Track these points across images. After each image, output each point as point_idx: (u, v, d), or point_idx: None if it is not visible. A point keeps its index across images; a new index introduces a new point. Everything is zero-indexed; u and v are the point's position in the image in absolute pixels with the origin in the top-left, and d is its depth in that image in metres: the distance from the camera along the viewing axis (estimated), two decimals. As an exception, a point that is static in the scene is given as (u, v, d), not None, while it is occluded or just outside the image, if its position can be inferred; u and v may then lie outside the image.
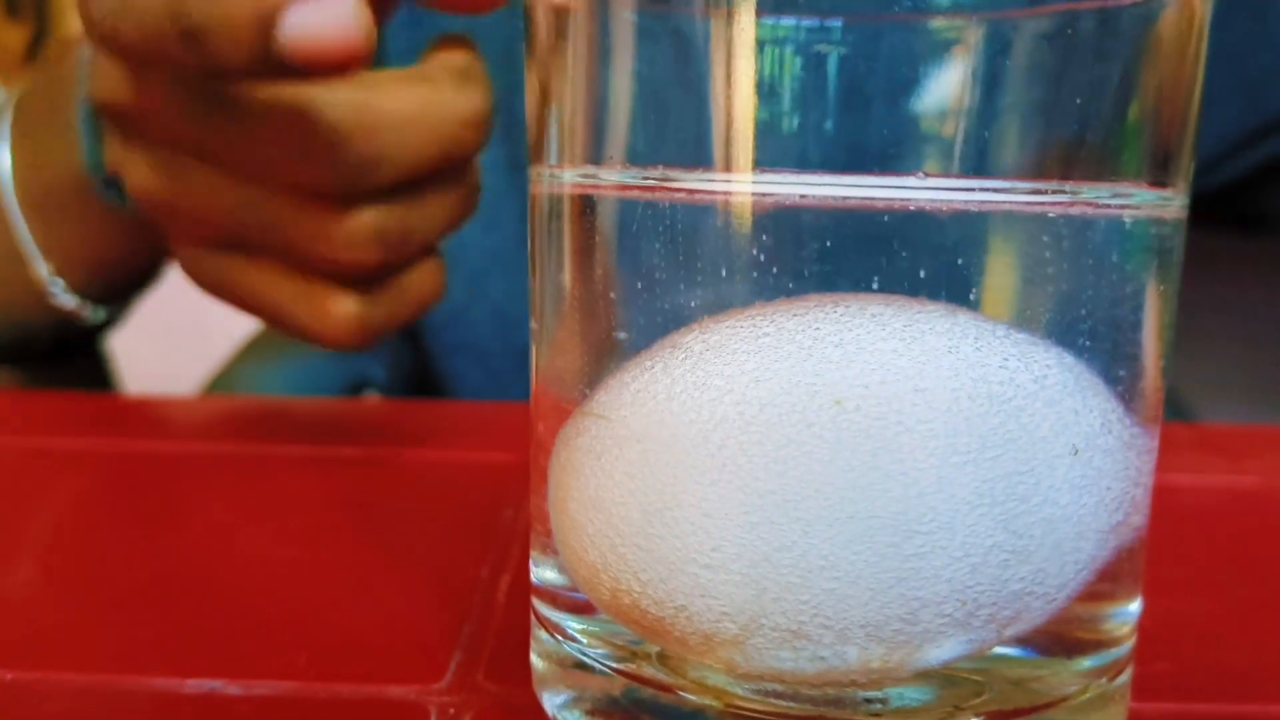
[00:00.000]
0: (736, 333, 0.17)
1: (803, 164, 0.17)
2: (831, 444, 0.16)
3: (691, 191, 0.17)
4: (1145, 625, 0.20)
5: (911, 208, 0.16)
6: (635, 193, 0.18)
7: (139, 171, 0.34)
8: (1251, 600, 0.29)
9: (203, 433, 0.41)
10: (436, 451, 0.40)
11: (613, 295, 0.18)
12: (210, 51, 0.27)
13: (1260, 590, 0.30)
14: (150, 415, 0.45)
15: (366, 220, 0.32)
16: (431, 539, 0.31)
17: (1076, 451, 0.17)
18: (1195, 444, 0.43)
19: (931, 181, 0.16)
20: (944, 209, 0.16)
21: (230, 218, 0.33)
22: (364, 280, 0.34)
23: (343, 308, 0.33)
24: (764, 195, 0.17)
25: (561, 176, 0.18)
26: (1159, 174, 0.17)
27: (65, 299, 0.44)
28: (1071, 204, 0.17)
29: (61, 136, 0.40)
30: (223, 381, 0.76)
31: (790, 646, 0.17)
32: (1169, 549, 0.29)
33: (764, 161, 0.17)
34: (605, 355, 0.19)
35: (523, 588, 0.27)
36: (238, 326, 0.76)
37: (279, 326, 0.35)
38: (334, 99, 0.31)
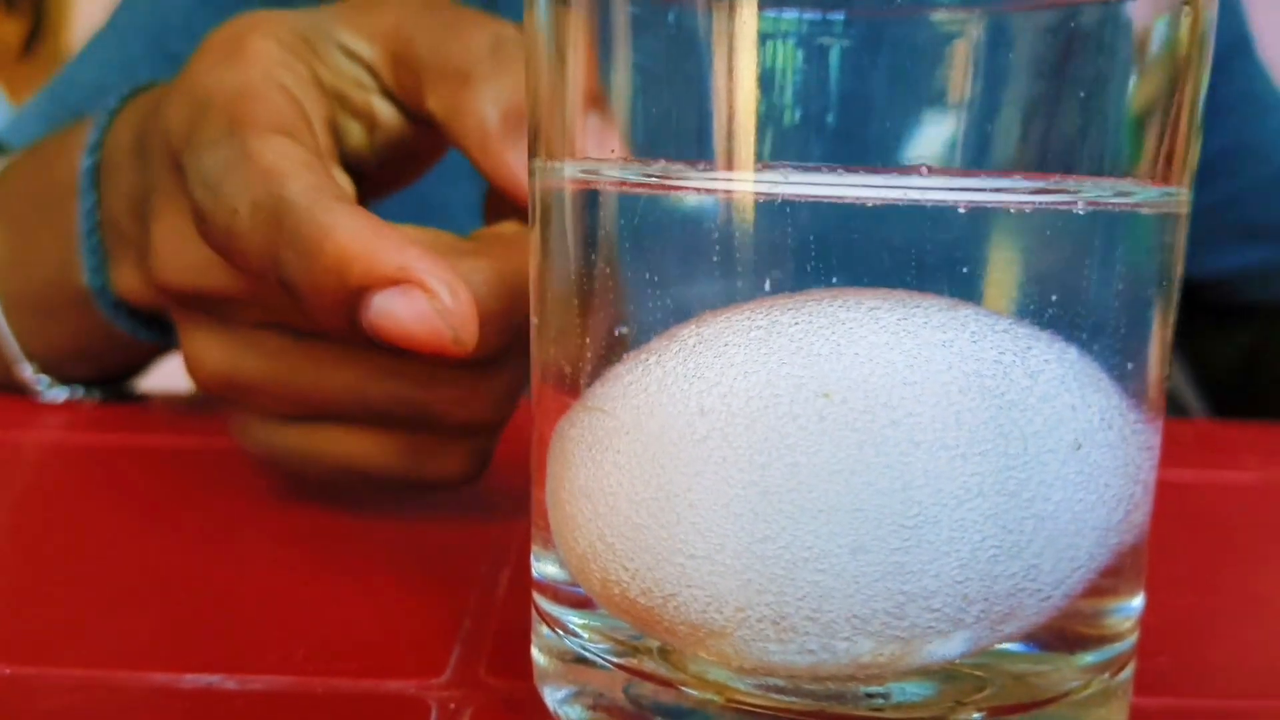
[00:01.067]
0: (730, 326, 0.17)
1: (803, 158, 0.17)
2: (817, 436, 0.16)
3: (691, 188, 0.17)
4: (1146, 620, 0.20)
5: (913, 204, 0.16)
6: (635, 188, 0.17)
7: (208, 351, 0.30)
8: (1252, 595, 0.29)
9: (200, 426, 0.41)
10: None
11: (611, 290, 0.18)
12: (305, 309, 0.26)
13: (1261, 586, 0.30)
14: (148, 409, 0.45)
15: (509, 379, 0.30)
16: (431, 533, 0.31)
17: (1079, 446, 0.17)
18: (1194, 440, 0.43)
19: (933, 179, 0.16)
20: (946, 204, 0.16)
21: (342, 393, 0.29)
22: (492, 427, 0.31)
23: (475, 454, 0.31)
24: (764, 192, 0.17)
25: (561, 170, 0.18)
26: (1161, 170, 0.17)
27: (52, 394, 0.43)
28: (1073, 200, 0.17)
29: (56, 241, 0.38)
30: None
31: (778, 639, 0.17)
32: (1170, 545, 0.29)
33: (764, 156, 0.17)
34: (602, 349, 0.19)
35: (523, 582, 0.27)
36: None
37: (376, 480, 0.31)
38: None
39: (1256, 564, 0.31)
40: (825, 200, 0.16)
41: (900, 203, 0.16)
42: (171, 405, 0.45)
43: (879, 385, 0.16)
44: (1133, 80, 0.17)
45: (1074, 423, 0.17)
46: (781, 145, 0.17)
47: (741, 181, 0.17)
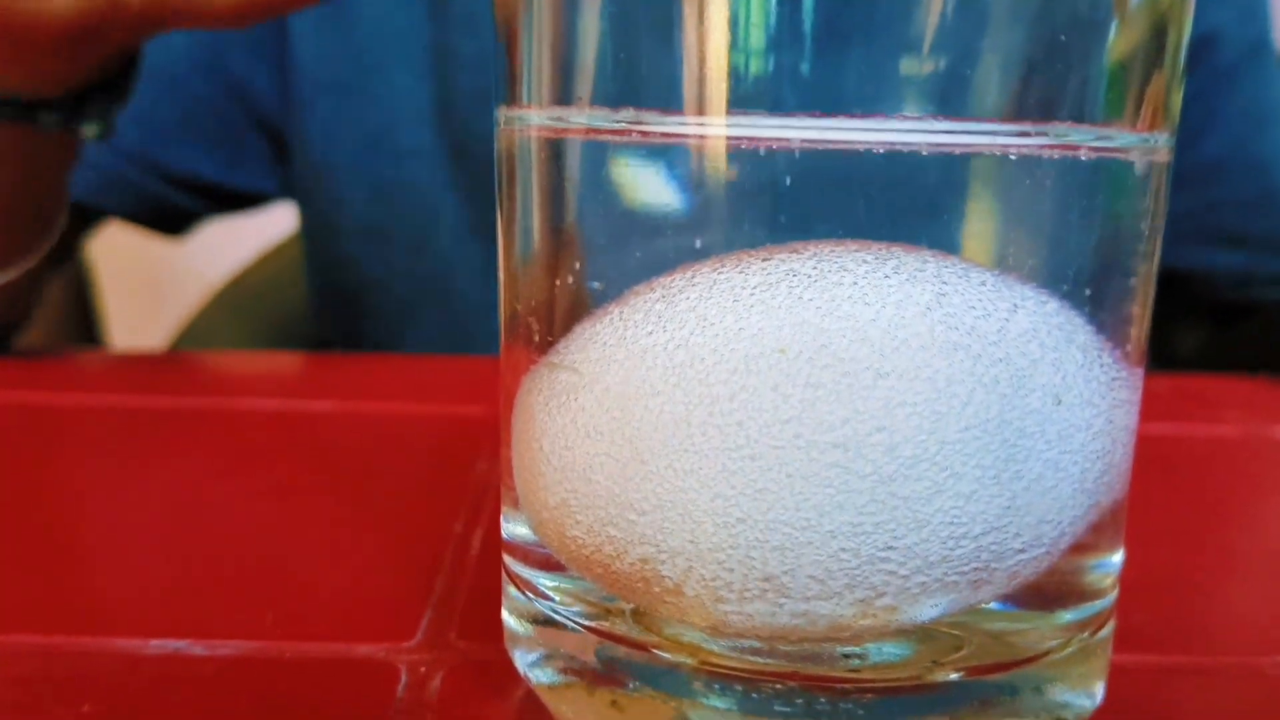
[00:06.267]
0: (694, 279, 0.17)
1: (776, 105, 0.16)
2: (769, 392, 0.16)
3: (661, 135, 0.16)
4: (1125, 576, 0.20)
5: (889, 149, 0.16)
6: (603, 136, 0.17)
7: None
8: (1231, 550, 0.29)
9: (167, 387, 0.40)
10: (407, 404, 0.39)
11: (579, 243, 0.18)
12: None
13: (1240, 541, 0.29)
14: (112, 370, 0.44)
15: None
16: (403, 494, 0.30)
17: (1059, 402, 0.16)
18: (1173, 393, 0.43)
19: (909, 123, 0.16)
20: (923, 150, 0.16)
21: None
22: None
23: None
24: (735, 139, 0.16)
25: (528, 119, 0.18)
26: (1145, 118, 0.17)
27: None
28: (1054, 145, 0.16)
29: None
30: (188, 337, 0.75)
31: (736, 598, 0.17)
32: (1148, 499, 0.28)
33: (736, 104, 0.16)
34: (568, 305, 0.18)
35: (496, 544, 0.26)
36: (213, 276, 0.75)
37: None
38: None
39: (1236, 518, 0.31)
40: (797, 147, 0.16)
41: (875, 148, 0.16)
42: (135, 364, 0.44)
43: (836, 340, 0.16)
44: (1114, 26, 0.16)
45: (1053, 377, 0.16)
46: (753, 91, 0.16)
47: (711, 127, 0.16)
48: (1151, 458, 0.25)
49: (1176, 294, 0.54)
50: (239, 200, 0.62)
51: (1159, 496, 0.31)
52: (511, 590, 0.20)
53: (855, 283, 0.16)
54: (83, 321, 0.78)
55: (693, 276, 0.17)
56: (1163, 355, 0.60)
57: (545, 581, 0.19)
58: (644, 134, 0.17)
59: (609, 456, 0.17)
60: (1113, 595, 0.19)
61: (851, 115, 0.16)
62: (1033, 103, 0.16)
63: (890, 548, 0.16)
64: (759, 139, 0.16)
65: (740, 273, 0.17)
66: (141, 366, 0.44)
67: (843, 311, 0.16)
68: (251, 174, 0.61)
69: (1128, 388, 0.18)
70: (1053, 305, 0.17)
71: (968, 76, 0.16)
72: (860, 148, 0.16)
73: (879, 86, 0.16)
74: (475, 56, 0.56)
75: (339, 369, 0.47)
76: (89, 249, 0.77)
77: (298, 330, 0.75)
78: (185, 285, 0.85)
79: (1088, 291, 0.17)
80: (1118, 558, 0.19)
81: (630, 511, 0.17)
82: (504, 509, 0.20)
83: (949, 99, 0.16)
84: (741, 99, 0.16)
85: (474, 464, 0.32)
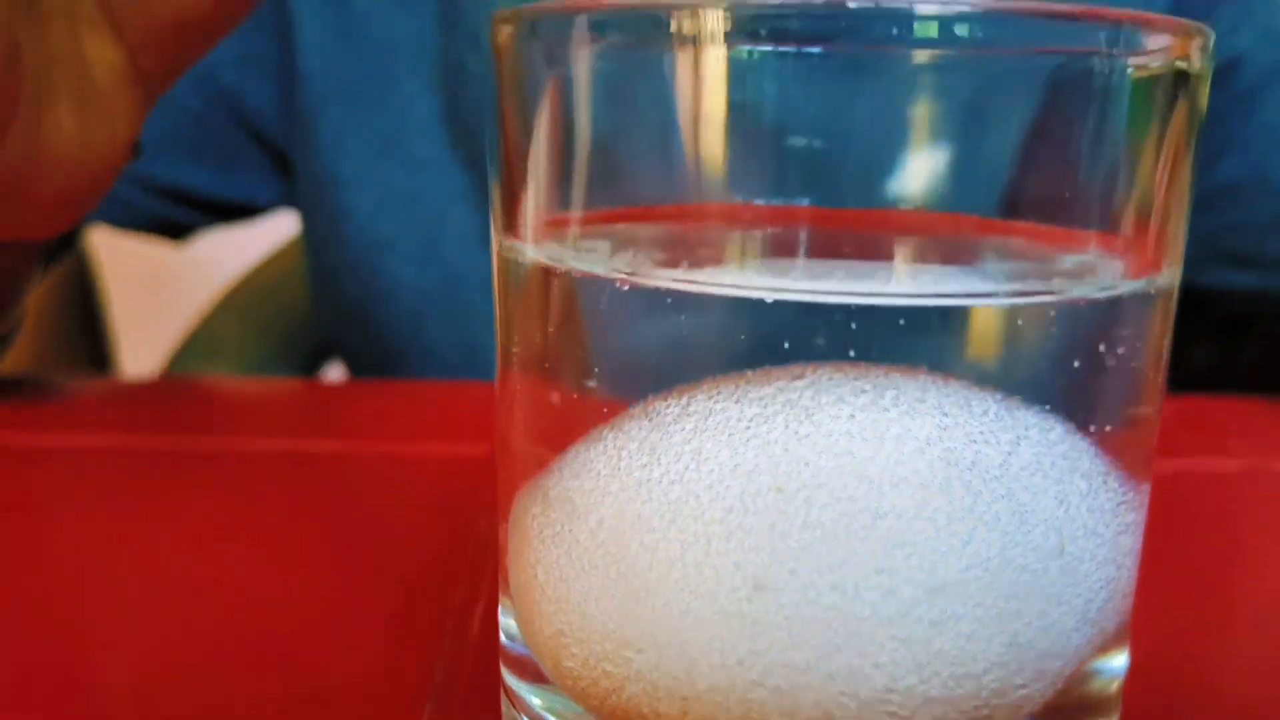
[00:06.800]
0: (687, 409, 0.16)
1: (779, 192, 0.16)
2: (767, 533, 0.16)
3: (662, 286, 0.16)
4: (1133, 646, 0.19)
5: (889, 308, 0.15)
6: (595, 275, 0.17)
7: None
8: (1248, 608, 0.28)
9: (159, 424, 0.40)
10: (409, 444, 0.39)
11: (571, 368, 0.17)
12: None
13: (1259, 592, 0.29)
14: (100, 404, 0.44)
15: None
16: (403, 555, 0.30)
17: (1063, 551, 0.16)
18: (1177, 422, 0.42)
19: (909, 281, 0.16)
20: (923, 307, 0.16)
21: None
22: None
23: None
24: (734, 294, 0.16)
25: (524, 251, 0.17)
26: (1150, 256, 0.16)
27: None
28: (1055, 300, 0.16)
29: None
30: (196, 340, 0.75)
31: None
32: (1153, 549, 0.28)
33: (732, 259, 0.16)
34: (561, 424, 0.18)
35: (495, 622, 0.26)
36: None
37: None
38: None
39: (1249, 565, 0.31)
40: (795, 301, 0.16)
41: (876, 305, 0.15)
42: (127, 395, 0.44)
43: (834, 479, 0.16)
44: (1121, 178, 0.16)
45: (1056, 511, 0.16)
46: (755, 185, 0.16)
47: (710, 285, 0.16)
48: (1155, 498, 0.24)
49: (1188, 311, 0.54)
50: (236, 211, 0.62)
51: (1165, 546, 0.31)
52: (505, 703, 0.20)
53: (853, 415, 0.16)
54: (88, 323, 0.78)
55: (687, 404, 0.17)
56: (1171, 370, 0.59)
57: (535, 700, 0.19)
58: (641, 283, 0.16)
59: (604, 592, 0.17)
60: (1116, 713, 0.19)
61: (850, 266, 0.16)
62: (1031, 209, 0.16)
63: (891, 690, 0.16)
64: (755, 291, 0.16)
65: (736, 402, 0.16)
66: (134, 400, 0.44)
67: (840, 448, 0.16)
68: (248, 185, 0.60)
69: (1134, 509, 0.17)
70: (1057, 431, 0.16)
71: (970, 179, 0.16)
72: (858, 303, 0.15)
73: (878, 182, 0.16)
74: (483, 74, 0.56)
75: (339, 401, 0.47)
76: (94, 250, 0.76)
77: (304, 332, 0.75)
78: (191, 282, 0.85)
79: (1094, 423, 0.17)
80: (1121, 661, 0.19)
81: (627, 649, 0.17)
82: (501, 598, 0.20)
83: (947, 199, 0.16)
84: (738, 253, 0.16)
85: (476, 520, 0.32)
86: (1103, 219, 0.16)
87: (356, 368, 0.63)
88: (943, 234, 0.17)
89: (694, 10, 0.15)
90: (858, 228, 0.17)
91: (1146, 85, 0.15)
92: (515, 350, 0.18)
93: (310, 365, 0.77)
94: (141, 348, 0.84)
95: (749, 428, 0.16)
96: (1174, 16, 0.16)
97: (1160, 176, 0.16)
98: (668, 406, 0.17)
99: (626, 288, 0.16)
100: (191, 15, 0.33)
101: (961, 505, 0.16)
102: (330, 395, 0.48)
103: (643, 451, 0.17)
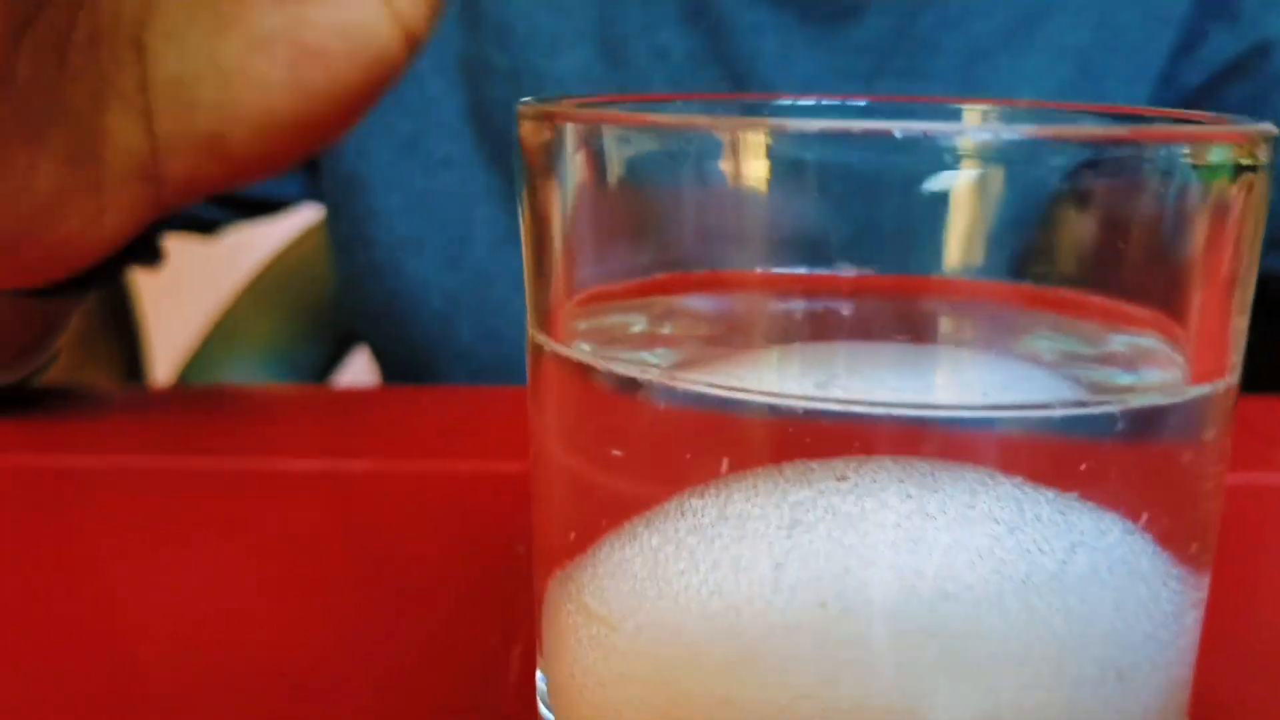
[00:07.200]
0: (724, 512, 0.16)
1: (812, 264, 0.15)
2: (812, 652, 0.15)
3: (695, 391, 0.15)
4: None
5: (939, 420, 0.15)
6: (630, 376, 0.16)
7: None
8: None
9: (185, 443, 0.40)
10: (439, 461, 0.39)
11: (601, 465, 0.17)
12: None
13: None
14: (124, 420, 0.43)
15: None
16: (437, 589, 0.30)
17: (1122, 678, 0.15)
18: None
19: (956, 372, 0.15)
20: (977, 421, 0.15)
21: None
22: None
23: None
24: (772, 401, 0.15)
25: (551, 344, 0.17)
26: (1210, 364, 0.15)
27: None
28: (1115, 412, 0.15)
29: None
30: (222, 327, 0.75)
31: None
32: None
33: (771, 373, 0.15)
34: (592, 520, 0.17)
35: (532, 666, 0.26)
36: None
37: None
38: None
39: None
40: (829, 413, 0.15)
41: (925, 419, 0.15)
42: (144, 406, 0.44)
43: (881, 595, 0.15)
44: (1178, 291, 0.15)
45: (1114, 621, 0.15)
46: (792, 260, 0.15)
47: (752, 391, 0.15)
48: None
49: None
50: (261, 207, 0.62)
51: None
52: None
53: (899, 524, 0.15)
54: (119, 316, 0.79)
55: (724, 505, 0.16)
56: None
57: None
58: (676, 385, 0.15)
59: (644, 702, 0.16)
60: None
61: (895, 352, 0.15)
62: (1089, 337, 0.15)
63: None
64: (795, 401, 0.15)
65: (776, 507, 0.16)
66: (164, 415, 0.44)
67: (886, 561, 0.15)
68: (275, 183, 0.60)
69: (1195, 606, 0.17)
70: (1115, 534, 0.16)
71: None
72: (906, 415, 0.15)
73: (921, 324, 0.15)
74: (509, 69, 0.55)
75: (369, 412, 0.46)
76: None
77: (331, 315, 0.75)
78: (217, 267, 0.84)
79: (1155, 522, 0.16)
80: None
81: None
82: (539, 660, 0.20)
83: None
84: (779, 343, 0.15)
85: (511, 545, 0.32)
86: (1165, 303, 0.16)
87: (386, 366, 0.62)
88: (990, 304, 0.16)
89: (734, 134, 0.14)
90: (898, 296, 0.16)
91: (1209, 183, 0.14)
92: (548, 436, 0.18)
93: (338, 348, 0.77)
94: (169, 336, 0.84)
95: (789, 537, 0.15)
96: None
97: (1225, 270, 0.15)
98: (704, 505, 0.16)
99: (662, 387, 0.16)
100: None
101: (1016, 621, 0.15)
102: (360, 405, 0.47)
103: (680, 556, 0.16)
